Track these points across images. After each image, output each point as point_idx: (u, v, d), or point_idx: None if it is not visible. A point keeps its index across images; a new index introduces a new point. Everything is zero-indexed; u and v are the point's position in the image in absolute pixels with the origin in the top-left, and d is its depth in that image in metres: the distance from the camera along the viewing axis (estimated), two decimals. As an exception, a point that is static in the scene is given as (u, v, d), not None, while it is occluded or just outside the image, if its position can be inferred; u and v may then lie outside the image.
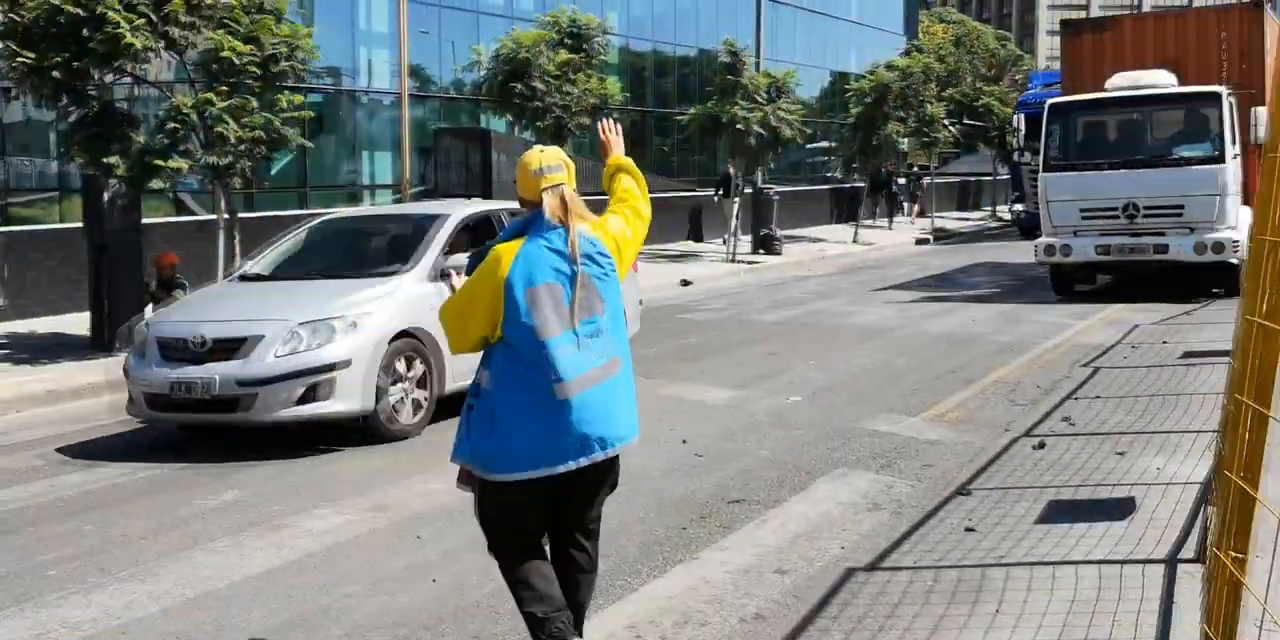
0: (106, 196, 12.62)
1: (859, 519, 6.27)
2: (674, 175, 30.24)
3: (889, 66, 28.12)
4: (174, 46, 12.47)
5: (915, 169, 36.56)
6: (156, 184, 12.38)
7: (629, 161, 4.53)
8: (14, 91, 12.41)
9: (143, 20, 11.84)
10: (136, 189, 12.42)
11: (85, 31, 11.69)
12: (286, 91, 13.31)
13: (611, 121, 4.72)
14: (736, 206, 24.53)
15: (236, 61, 12.35)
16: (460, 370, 8.71)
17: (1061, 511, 6.12)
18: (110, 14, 11.62)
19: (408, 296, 8.95)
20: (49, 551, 6.20)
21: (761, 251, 24.71)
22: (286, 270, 9.92)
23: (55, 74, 11.76)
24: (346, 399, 8.33)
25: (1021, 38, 70.26)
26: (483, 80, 17.33)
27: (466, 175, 23.40)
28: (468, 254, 8.64)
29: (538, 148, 4.33)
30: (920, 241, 29.45)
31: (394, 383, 8.61)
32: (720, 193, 25.76)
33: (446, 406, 8.85)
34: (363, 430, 8.54)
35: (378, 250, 10.17)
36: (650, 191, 4.58)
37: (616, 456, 4.14)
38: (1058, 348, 11.93)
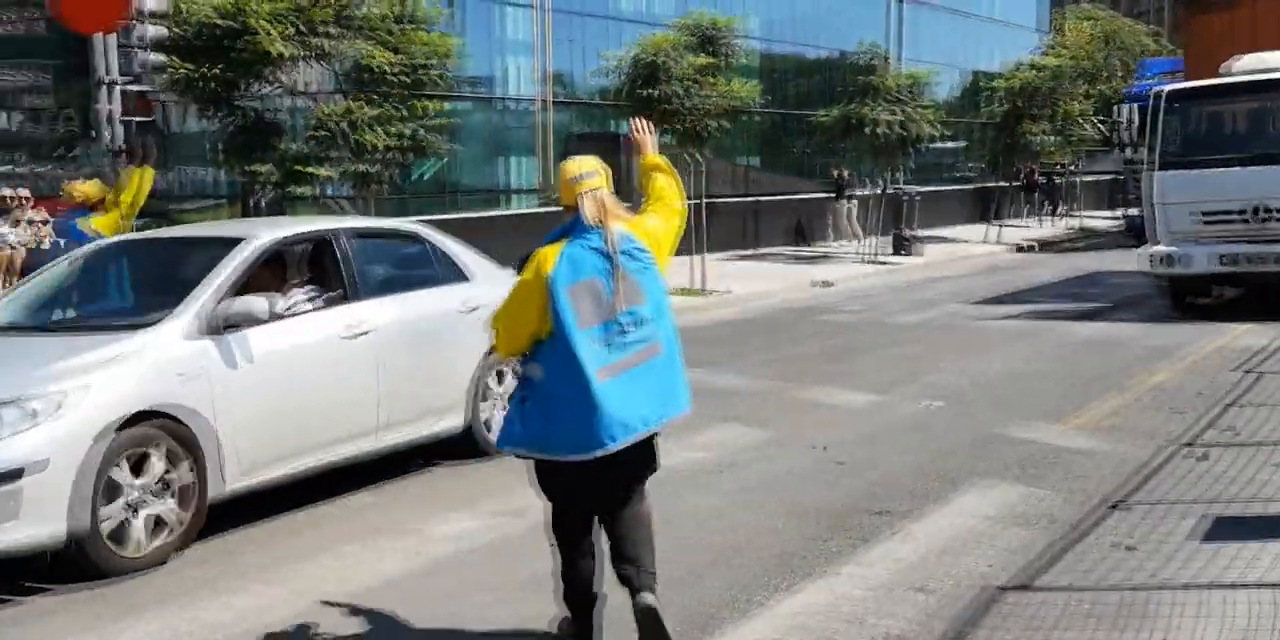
0: (253, 202, 12.82)
1: (1004, 534, 5.86)
2: (811, 177, 29.74)
3: (1031, 66, 27.07)
4: (320, 56, 12.60)
5: (1059, 167, 35.10)
6: (300, 191, 12.53)
7: (663, 160, 4.73)
8: (173, 101, 12.69)
9: (291, 30, 11.99)
10: (282, 195, 12.60)
11: (228, 42, 11.90)
12: (430, 100, 13.33)
13: (644, 121, 4.88)
14: (848, 208, 24.65)
15: (381, 71, 12.41)
16: (257, 459, 6.39)
17: (1226, 529, 5.64)
18: (255, 24, 11.79)
19: (160, 359, 6.07)
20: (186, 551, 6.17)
21: (897, 252, 24.04)
22: (26, 318, 7.07)
23: (201, 84, 11.99)
24: (38, 520, 5.41)
25: (1164, 32, 67.38)
26: (618, 86, 17.19)
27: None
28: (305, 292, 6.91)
29: (574, 158, 4.55)
30: (1025, 248, 27.11)
31: (123, 490, 5.72)
32: (834, 194, 26.02)
33: (226, 514, 6.40)
34: (72, 563, 5.62)
35: (143, 289, 7.43)
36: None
37: (654, 437, 4.41)
38: (1212, 352, 11.20)
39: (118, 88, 11.45)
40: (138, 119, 11.69)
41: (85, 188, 8.93)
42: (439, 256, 8.04)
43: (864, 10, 32.56)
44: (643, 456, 4.40)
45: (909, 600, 4.97)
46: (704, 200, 18.01)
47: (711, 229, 18.88)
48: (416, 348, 7.34)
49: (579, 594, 4.53)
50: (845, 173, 26.11)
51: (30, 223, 11.61)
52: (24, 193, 12.12)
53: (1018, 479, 6.89)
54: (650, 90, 16.55)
